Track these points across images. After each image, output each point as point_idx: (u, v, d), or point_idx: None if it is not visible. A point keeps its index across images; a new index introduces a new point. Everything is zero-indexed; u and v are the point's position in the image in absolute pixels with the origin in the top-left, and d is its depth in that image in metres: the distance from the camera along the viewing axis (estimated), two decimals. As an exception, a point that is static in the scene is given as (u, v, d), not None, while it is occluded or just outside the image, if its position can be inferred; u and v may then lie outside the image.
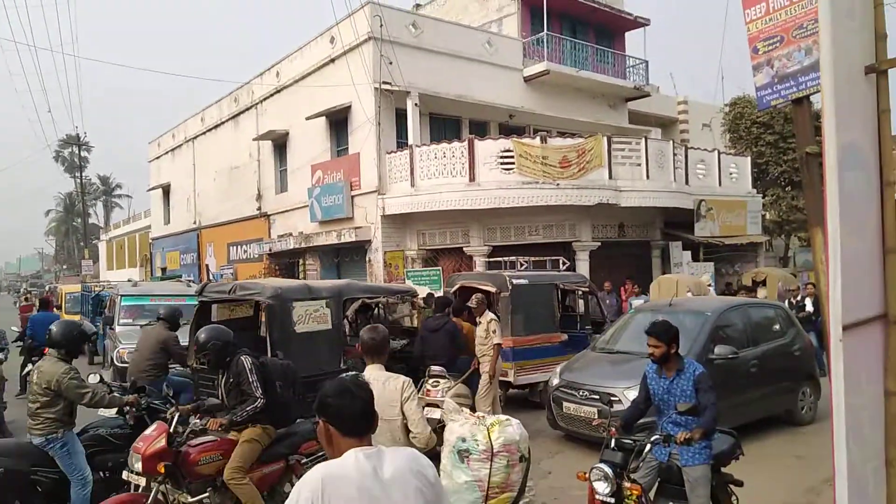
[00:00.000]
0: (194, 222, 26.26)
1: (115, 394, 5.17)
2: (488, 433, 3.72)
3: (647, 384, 4.46)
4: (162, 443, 4.40)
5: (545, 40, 18.78)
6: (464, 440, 3.76)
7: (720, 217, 17.71)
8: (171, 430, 4.51)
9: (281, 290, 7.14)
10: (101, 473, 5.06)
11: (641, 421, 4.83)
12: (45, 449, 4.72)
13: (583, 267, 15.03)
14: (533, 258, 10.95)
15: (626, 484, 4.01)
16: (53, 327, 5.03)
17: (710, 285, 14.45)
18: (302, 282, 8.41)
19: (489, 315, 7.77)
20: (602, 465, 4.04)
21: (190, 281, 16.25)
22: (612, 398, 6.86)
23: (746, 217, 18.81)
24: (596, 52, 20.62)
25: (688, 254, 16.88)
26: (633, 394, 5.82)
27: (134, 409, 5.16)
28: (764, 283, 14.49)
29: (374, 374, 3.74)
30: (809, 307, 11.32)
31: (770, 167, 22.03)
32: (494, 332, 7.63)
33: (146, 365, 7.21)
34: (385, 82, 15.44)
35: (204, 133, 25.11)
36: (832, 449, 2.36)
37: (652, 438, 4.17)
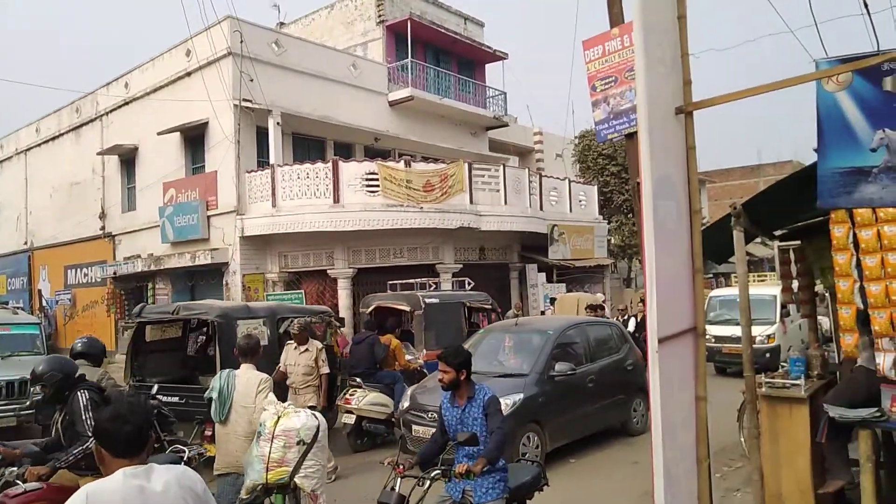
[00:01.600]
0: (25, 242, 23.67)
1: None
2: (276, 422, 4.55)
3: (442, 415, 4.12)
4: None
5: (409, 67, 19.21)
6: (261, 424, 4.63)
7: (571, 241, 18.94)
8: None
9: (227, 310, 8.01)
10: None
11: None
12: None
13: (446, 289, 15.37)
14: (436, 280, 11.52)
15: None
16: (78, 343, 5.89)
17: (603, 302, 15.77)
18: (242, 303, 9.52)
19: (317, 343, 7.58)
20: None
21: (17, 307, 14.58)
22: None
23: (594, 241, 20.27)
24: (458, 81, 21.41)
25: (543, 275, 17.86)
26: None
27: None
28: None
29: (243, 372, 5.03)
30: (632, 326, 12.40)
31: (614, 195, 23.96)
32: (325, 360, 7.39)
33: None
34: (245, 99, 14.97)
35: (39, 145, 22.82)
36: (650, 451, 2.61)
37: (432, 474, 3.80)
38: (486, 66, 23.11)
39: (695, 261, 3.01)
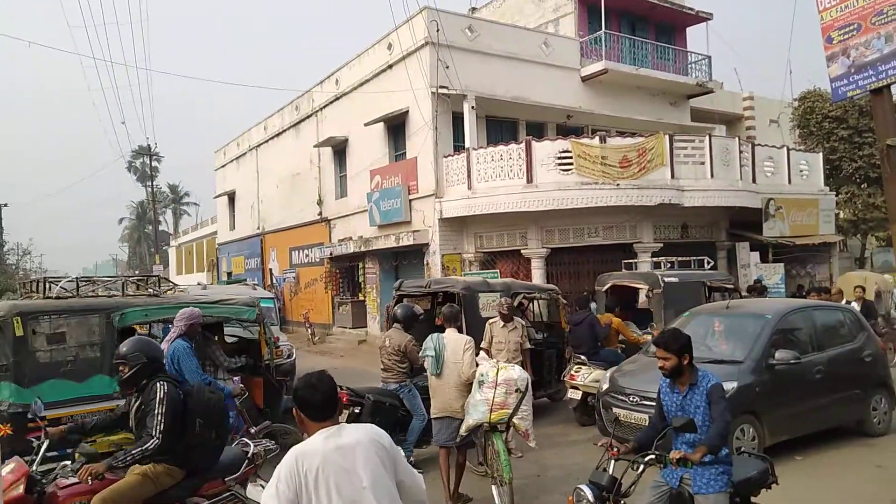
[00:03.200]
0: (258, 228, 27.06)
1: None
2: (497, 372, 5.45)
3: (661, 400, 3.99)
4: (19, 490, 3.56)
5: (603, 39, 18.48)
6: (482, 375, 5.52)
7: (790, 216, 17.01)
8: (33, 472, 3.71)
9: (471, 284, 9.08)
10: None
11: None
12: (398, 392, 6.69)
13: (645, 269, 14.69)
14: (679, 258, 11.38)
15: None
16: (398, 310, 7.07)
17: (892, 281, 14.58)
18: (481, 279, 10.37)
19: (520, 320, 8.11)
20: (583, 487, 3.65)
21: (255, 284, 16.78)
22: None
23: (818, 216, 17.99)
24: (656, 49, 20.15)
25: (756, 255, 16.28)
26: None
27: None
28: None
29: (449, 334, 6.01)
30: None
31: (844, 163, 21.04)
32: (527, 336, 7.96)
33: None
34: (442, 86, 15.53)
35: (267, 141, 25.87)
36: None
37: (646, 458, 3.66)
38: (688, 29, 21.47)
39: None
